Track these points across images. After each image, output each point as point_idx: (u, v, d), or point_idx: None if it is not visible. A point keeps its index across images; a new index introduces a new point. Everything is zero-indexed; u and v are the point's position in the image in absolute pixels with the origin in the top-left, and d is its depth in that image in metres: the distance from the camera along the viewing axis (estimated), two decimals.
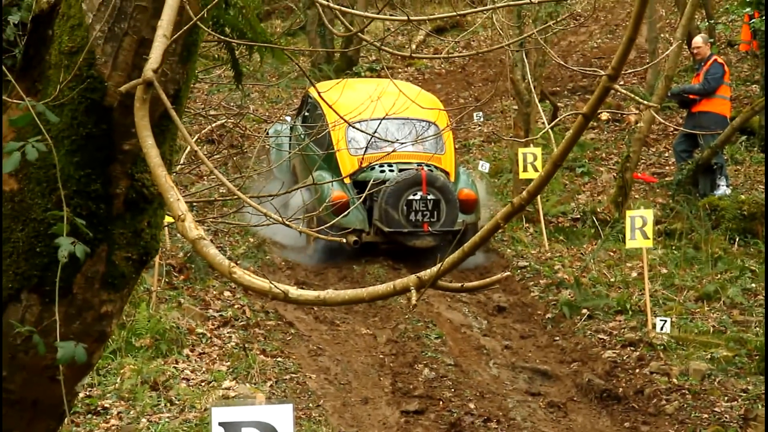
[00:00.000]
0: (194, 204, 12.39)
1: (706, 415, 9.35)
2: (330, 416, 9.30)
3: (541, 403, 9.92)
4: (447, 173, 13.76)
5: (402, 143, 12.92)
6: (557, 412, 9.77)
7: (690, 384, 9.86)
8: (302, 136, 14.11)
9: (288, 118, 16.05)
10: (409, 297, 2.87)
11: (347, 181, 13.30)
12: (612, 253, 13.52)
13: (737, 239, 13.48)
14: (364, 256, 13.48)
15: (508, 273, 3.08)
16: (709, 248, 13.11)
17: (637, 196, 15.49)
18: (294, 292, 2.86)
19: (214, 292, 11.78)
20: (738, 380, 9.87)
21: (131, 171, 3.82)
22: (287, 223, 3.30)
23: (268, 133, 15.11)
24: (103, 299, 3.95)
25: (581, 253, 13.68)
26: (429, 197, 13.21)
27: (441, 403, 9.67)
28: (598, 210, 14.92)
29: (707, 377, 9.93)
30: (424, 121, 13.80)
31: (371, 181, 13.08)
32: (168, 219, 5.35)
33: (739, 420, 9.22)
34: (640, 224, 11.13)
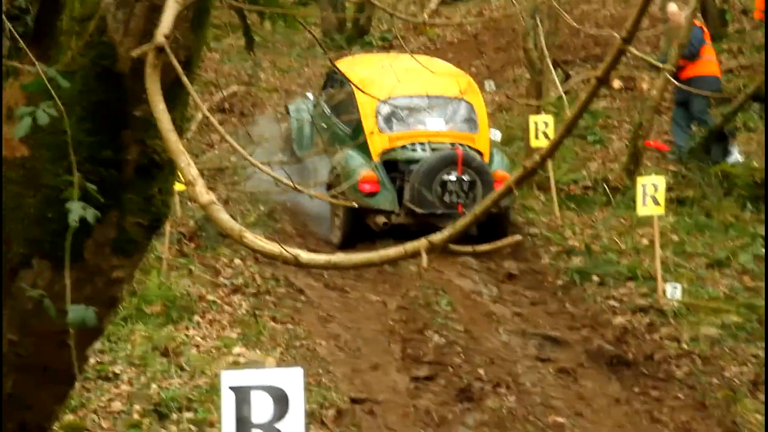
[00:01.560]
0: (205, 172, 12.41)
1: (715, 380, 9.37)
2: (340, 382, 9.34)
3: (550, 368, 9.94)
4: (481, 154, 13.05)
5: (429, 113, 12.59)
6: (567, 378, 9.79)
7: (700, 349, 9.87)
8: (328, 114, 13.78)
9: (309, 95, 15.60)
10: (420, 261, 2.88)
11: (376, 159, 12.79)
12: (623, 221, 13.51)
13: (749, 206, 13.46)
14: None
15: (519, 237, 3.08)
16: (721, 215, 13.10)
17: (648, 164, 15.45)
18: (305, 256, 2.87)
19: (225, 260, 11.81)
20: (748, 345, 9.87)
21: (142, 137, 3.83)
22: (299, 188, 3.30)
23: (288, 110, 14.80)
24: (114, 265, 3.97)
25: (592, 221, 13.67)
26: (465, 178, 12.47)
27: (451, 369, 9.70)
28: (610, 178, 14.89)
29: (717, 343, 9.94)
30: (457, 99, 13.18)
31: (406, 161, 12.74)
32: (179, 186, 5.37)
33: (749, 385, 9.24)
34: (651, 191, 11.12)
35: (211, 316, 10.31)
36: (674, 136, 15.81)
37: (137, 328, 9.56)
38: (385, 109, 12.76)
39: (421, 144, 12.91)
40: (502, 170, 12.98)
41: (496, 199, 2.75)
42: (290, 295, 11.30)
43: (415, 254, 2.83)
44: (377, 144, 12.84)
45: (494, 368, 9.76)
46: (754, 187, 13.60)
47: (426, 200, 12.45)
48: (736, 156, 14.84)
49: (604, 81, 2.55)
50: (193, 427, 8.12)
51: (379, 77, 12.67)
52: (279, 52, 21.15)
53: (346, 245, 12.73)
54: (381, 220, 12.57)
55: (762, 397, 9.12)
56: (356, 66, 13.35)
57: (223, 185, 10.10)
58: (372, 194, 12.55)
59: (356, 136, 12.80)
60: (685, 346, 9.99)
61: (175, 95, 3.76)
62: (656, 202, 11.13)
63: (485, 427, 8.90)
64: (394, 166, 12.85)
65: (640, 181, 11.38)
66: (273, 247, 2.89)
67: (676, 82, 8.44)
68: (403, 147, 12.89)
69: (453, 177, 12.45)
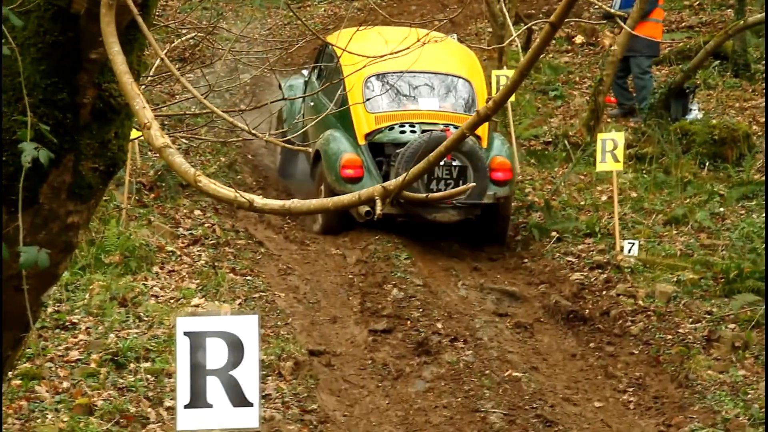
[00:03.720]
0: (165, 122, 12.31)
1: (670, 336, 9.48)
2: (298, 334, 9.37)
3: (507, 323, 10.01)
4: (479, 138, 11.73)
5: (423, 91, 11.65)
6: (524, 333, 9.87)
7: (655, 306, 9.97)
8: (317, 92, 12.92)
9: (304, 71, 14.71)
10: (374, 208, 2.88)
11: (362, 142, 11.70)
12: (582, 177, 13.57)
13: (707, 164, 13.56)
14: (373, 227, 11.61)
15: (473, 184, 3.08)
16: (679, 172, 13.18)
17: (609, 120, 15.51)
18: (259, 201, 2.88)
19: (185, 211, 11.76)
20: (703, 302, 9.99)
21: (98, 80, 3.79)
22: (256, 134, 3.30)
23: (281, 87, 14.12)
24: (70, 210, 3.94)
25: (552, 177, 13.71)
26: (454, 163, 11.26)
27: (409, 322, 9.75)
28: (570, 134, 14.92)
29: (672, 299, 10.04)
30: (455, 76, 12.13)
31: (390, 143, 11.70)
32: (135, 133, 5.33)
33: (702, 341, 9.35)
34: (611, 147, 11.16)
35: (170, 267, 10.29)
36: (613, 91, 15.83)
37: (95, 278, 9.52)
38: (373, 86, 11.81)
39: (411, 125, 11.73)
40: (501, 156, 11.82)
41: (449, 146, 2.76)
42: (250, 247, 11.28)
43: (370, 200, 2.84)
44: (363, 125, 11.77)
45: (452, 322, 9.82)
46: (713, 145, 13.70)
47: (411, 188, 11.20)
48: (695, 113, 14.91)
49: (557, 26, 2.55)
50: (150, 377, 8.13)
51: (371, 52, 11.90)
52: (240, 2, 20.97)
53: (327, 233, 11.92)
54: (364, 209, 11.05)
55: (714, 353, 9.24)
56: (347, 40, 12.69)
57: (182, 134, 10.01)
58: (355, 180, 11.51)
59: (343, 116, 11.68)
60: (640, 302, 10.08)
61: (131, 38, 3.73)
62: (615, 159, 11.18)
63: (442, 381, 8.96)
64: (380, 149, 11.84)
65: (600, 137, 11.42)
66: (228, 192, 2.89)
67: (632, 32, 8.47)
68: (391, 128, 11.74)
69: (441, 162, 10.86)
